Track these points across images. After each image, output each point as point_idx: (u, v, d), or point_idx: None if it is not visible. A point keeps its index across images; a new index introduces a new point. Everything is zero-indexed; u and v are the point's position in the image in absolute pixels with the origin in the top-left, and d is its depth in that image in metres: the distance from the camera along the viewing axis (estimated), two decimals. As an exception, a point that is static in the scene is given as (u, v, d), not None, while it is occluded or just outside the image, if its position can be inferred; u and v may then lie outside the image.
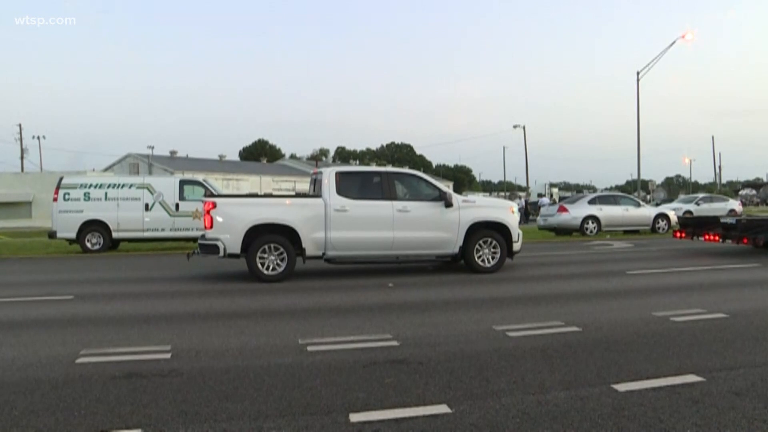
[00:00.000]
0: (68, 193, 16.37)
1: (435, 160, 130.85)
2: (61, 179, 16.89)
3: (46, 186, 32.98)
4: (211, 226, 9.77)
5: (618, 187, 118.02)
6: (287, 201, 10.54)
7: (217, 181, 36.67)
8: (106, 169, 59.11)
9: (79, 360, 4.94)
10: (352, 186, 10.39)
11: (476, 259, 10.57)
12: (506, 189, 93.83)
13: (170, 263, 13.42)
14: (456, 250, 10.48)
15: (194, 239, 15.24)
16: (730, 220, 13.80)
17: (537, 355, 4.96)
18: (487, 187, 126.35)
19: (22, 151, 58.77)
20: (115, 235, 16.48)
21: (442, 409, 3.69)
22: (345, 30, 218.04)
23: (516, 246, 10.94)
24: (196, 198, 16.38)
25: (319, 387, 4.16)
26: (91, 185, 16.57)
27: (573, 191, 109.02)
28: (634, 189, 42.04)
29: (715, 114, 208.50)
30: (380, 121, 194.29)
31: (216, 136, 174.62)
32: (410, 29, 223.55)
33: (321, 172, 10.60)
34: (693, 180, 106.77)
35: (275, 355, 5.04)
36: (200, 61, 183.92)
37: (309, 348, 5.26)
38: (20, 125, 59.23)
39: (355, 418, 3.56)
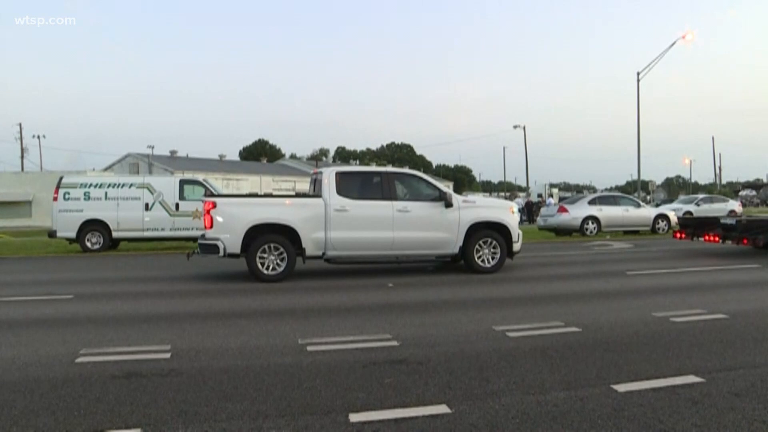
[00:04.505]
0: (68, 193, 16.38)
1: (435, 160, 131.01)
2: (61, 179, 16.91)
3: (46, 185, 32.94)
4: (211, 226, 9.77)
5: (618, 188, 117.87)
6: (287, 201, 10.53)
7: (217, 181, 36.66)
8: (106, 169, 59.08)
9: (79, 359, 4.95)
10: (352, 186, 10.39)
11: (476, 259, 10.57)
12: (506, 189, 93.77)
13: (170, 263, 13.42)
14: (456, 250, 10.48)
15: (194, 239, 15.24)
16: (730, 221, 13.79)
17: (537, 355, 4.96)
18: (487, 188, 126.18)
19: (22, 150, 58.92)
20: (115, 234, 16.50)
21: (442, 409, 3.69)
22: (345, 30, 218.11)
23: (516, 246, 10.95)
24: (196, 198, 16.39)
25: (319, 387, 4.16)
26: (91, 185, 16.60)
27: (573, 191, 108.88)
28: (634, 189, 42.04)
29: (715, 114, 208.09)
30: (380, 121, 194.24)
31: (216, 136, 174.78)
32: (410, 29, 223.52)
33: (321, 172, 10.60)
34: (693, 180, 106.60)
35: (275, 355, 5.04)
36: (200, 60, 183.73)
37: (309, 348, 5.26)
38: (20, 125, 59.39)
39: (354, 418, 3.56)
